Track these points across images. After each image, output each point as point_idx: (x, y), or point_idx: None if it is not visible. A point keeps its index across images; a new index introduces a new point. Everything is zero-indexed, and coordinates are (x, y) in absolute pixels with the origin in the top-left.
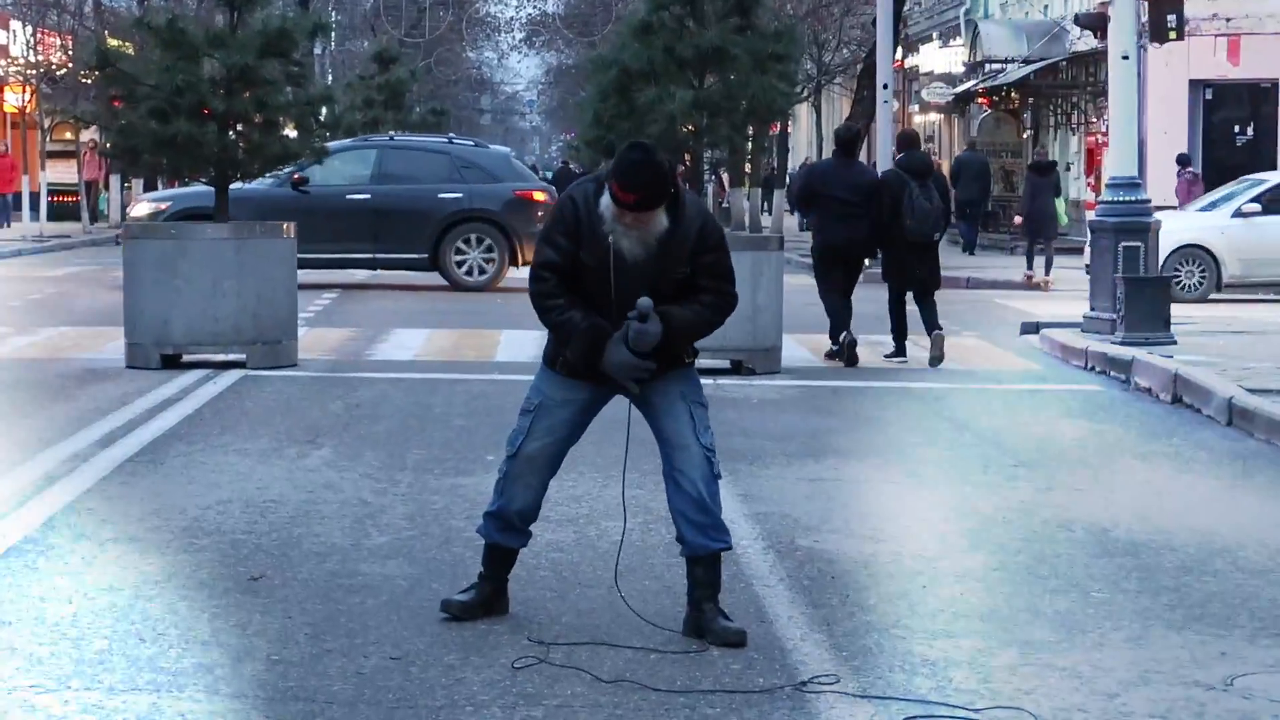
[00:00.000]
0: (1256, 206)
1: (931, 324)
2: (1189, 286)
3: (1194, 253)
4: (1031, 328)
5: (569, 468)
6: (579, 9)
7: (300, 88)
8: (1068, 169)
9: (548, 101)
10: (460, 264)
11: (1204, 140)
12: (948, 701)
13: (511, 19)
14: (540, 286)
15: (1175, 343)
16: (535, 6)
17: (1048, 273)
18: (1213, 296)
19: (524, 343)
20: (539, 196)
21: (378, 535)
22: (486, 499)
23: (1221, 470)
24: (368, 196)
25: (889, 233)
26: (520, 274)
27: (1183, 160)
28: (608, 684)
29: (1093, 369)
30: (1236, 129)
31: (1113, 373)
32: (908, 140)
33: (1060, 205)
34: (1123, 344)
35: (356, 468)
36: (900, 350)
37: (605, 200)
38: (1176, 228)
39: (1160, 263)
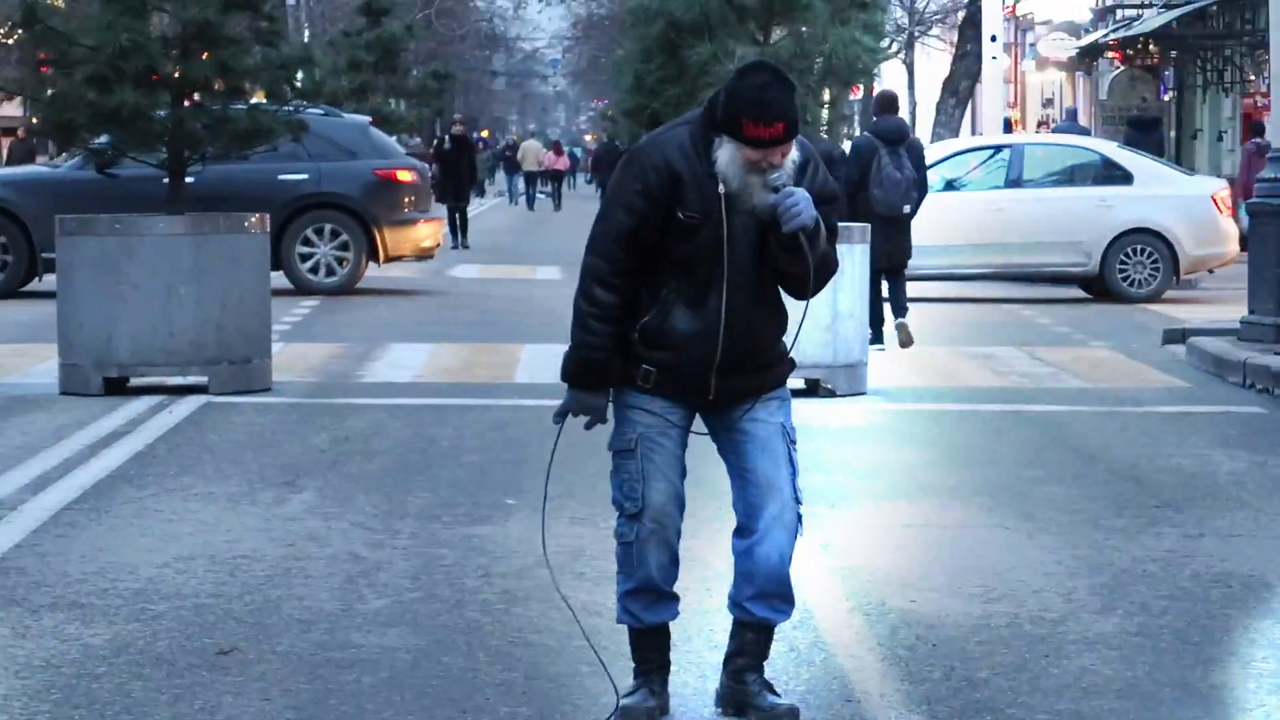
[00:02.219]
0: None
1: (899, 307)
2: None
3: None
4: (1177, 336)
5: (610, 514)
6: None
7: (272, 47)
8: (1219, 138)
9: (575, 61)
10: (306, 261)
11: None
12: None
13: None
14: (598, 264)
15: None
16: None
17: None
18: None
19: (549, 360)
20: (405, 176)
21: (374, 598)
22: (506, 551)
23: None
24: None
25: (856, 205)
26: (384, 273)
27: (1257, 129)
28: None
29: (1253, 386)
30: None
31: (1278, 391)
32: (885, 103)
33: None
34: None
35: (346, 515)
36: (877, 337)
37: (727, 154)
38: None
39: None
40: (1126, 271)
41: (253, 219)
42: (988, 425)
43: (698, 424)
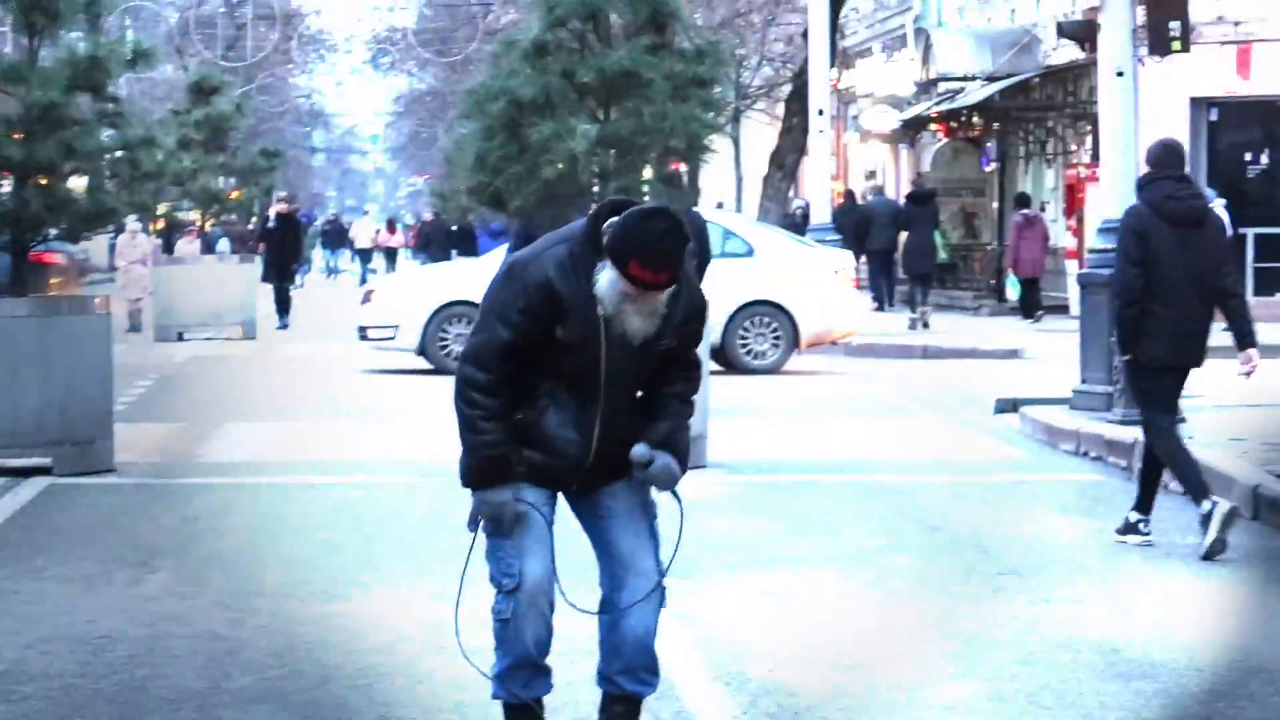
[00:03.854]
0: None
1: None
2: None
3: (467, 312)
4: (1008, 405)
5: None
6: (436, 22)
7: (116, 129)
8: (1042, 208)
9: (394, 136)
10: None
11: (1209, 169)
12: None
13: (352, 35)
14: (477, 375)
15: (1184, 420)
16: (381, 19)
17: (914, 310)
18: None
19: (388, 438)
20: (53, 259)
21: (240, 676)
22: (367, 627)
23: (1250, 574)
24: None
25: None
26: (225, 351)
27: (1022, 200)
28: None
29: (1087, 454)
30: (1248, 156)
31: (1112, 458)
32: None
33: (939, 239)
34: (1122, 423)
35: (204, 595)
36: None
37: (608, 279)
38: (446, 279)
39: (423, 325)
40: (747, 343)
41: (96, 300)
42: (830, 495)
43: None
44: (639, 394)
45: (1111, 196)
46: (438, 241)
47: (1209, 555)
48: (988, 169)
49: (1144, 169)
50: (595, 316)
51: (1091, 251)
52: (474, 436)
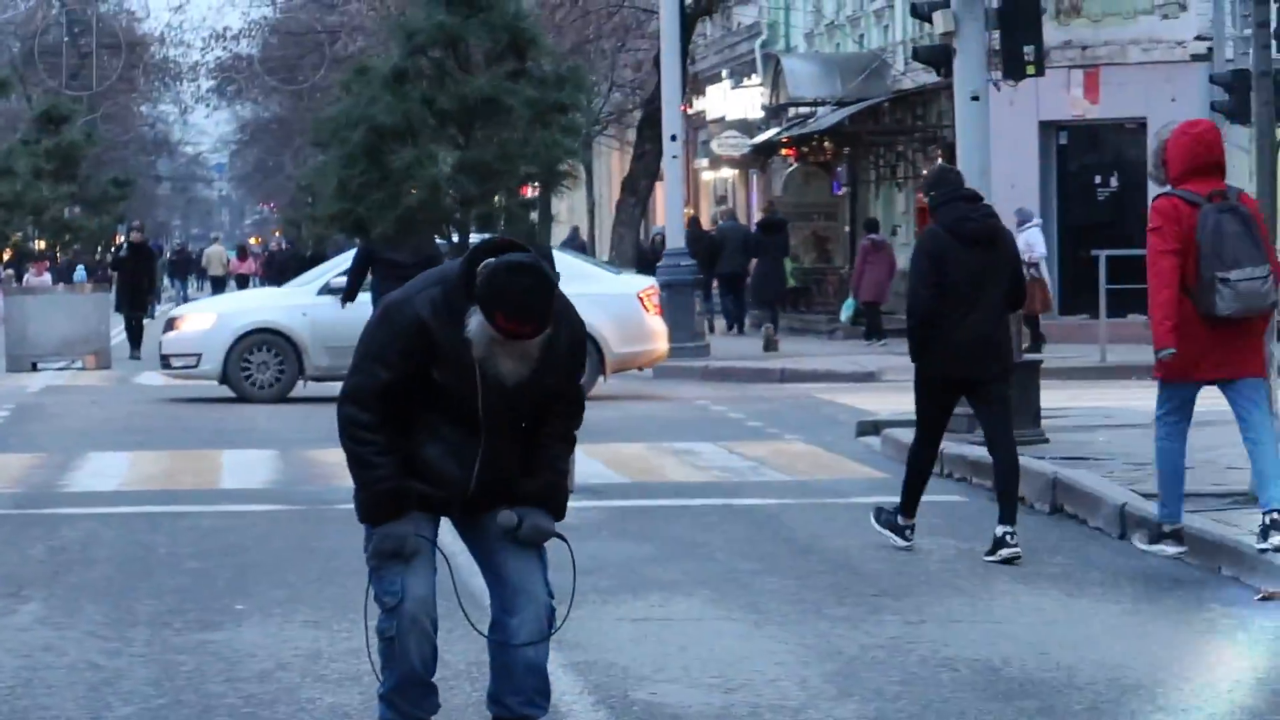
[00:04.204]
0: (344, 281)
1: None
2: (262, 383)
3: (269, 339)
4: (869, 428)
5: (341, 615)
6: (281, 50)
7: None
8: (894, 233)
9: (240, 165)
10: None
11: (1059, 193)
12: None
13: (197, 64)
14: (357, 414)
15: (1047, 440)
16: (226, 48)
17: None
18: (296, 394)
19: (253, 465)
20: None
21: (121, 706)
22: (244, 655)
23: (1121, 593)
24: None
25: None
26: (69, 381)
27: (870, 225)
28: None
29: (950, 475)
30: (1098, 179)
31: (975, 479)
32: None
33: (789, 266)
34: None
35: (77, 625)
36: None
37: (477, 324)
38: (248, 307)
39: (225, 353)
40: None
41: None
42: (698, 520)
43: None
44: (524, 425)
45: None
46: (292, 269)
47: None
48: (839, 193)
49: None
50: (469, 359)
51: None
52: (365, 472)
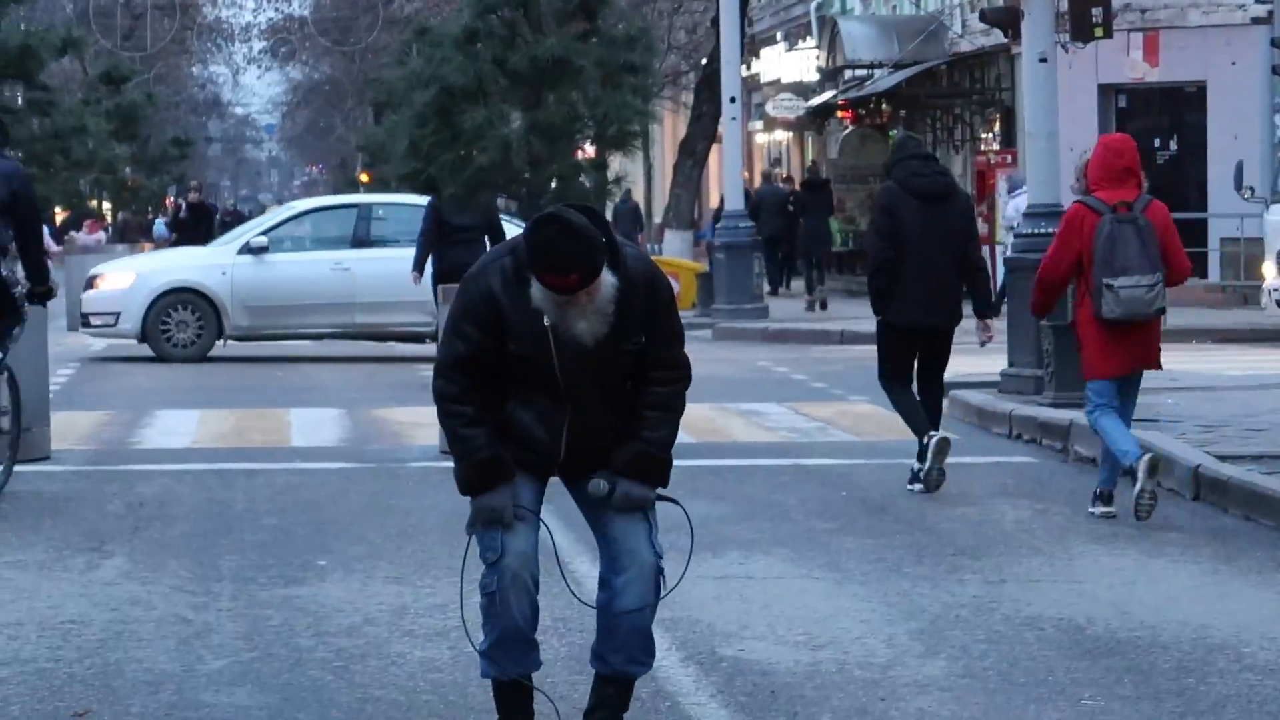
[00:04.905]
0: (264, 240)
1: None
2: (181, 342)
3: (188, 298)
4: None
5: (423, 571)
6: (334, 11)
7: (48, 117)
8: None
9: (290, 126)
10: None
11: None
12: None
13: (249, 25)
14: (445, 387)
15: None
16: (278, 9)
17: (811, 291)
18: (215, 353)
19: (320, 424)
20: None
21: (212, 659)
22: (330, 610)
23: (1199, 553)
24: None
25: None
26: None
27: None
28: None
29: (1019, 437)
30: (1157, 142)
31: (1045, 441)
32: None
33: (834, 224)
34: (1054, 406)
35: (162, 579)
36: None
37: (538, 291)
38: (167, 266)
39: (143, 311)
40: None
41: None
42: (771, 479)
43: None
44: (614, 398)
45: (1036, 181)
46: None
47: (926, 484)
48: None
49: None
50: (541, 327)
51: (1017, 236)
52: (460, 446)
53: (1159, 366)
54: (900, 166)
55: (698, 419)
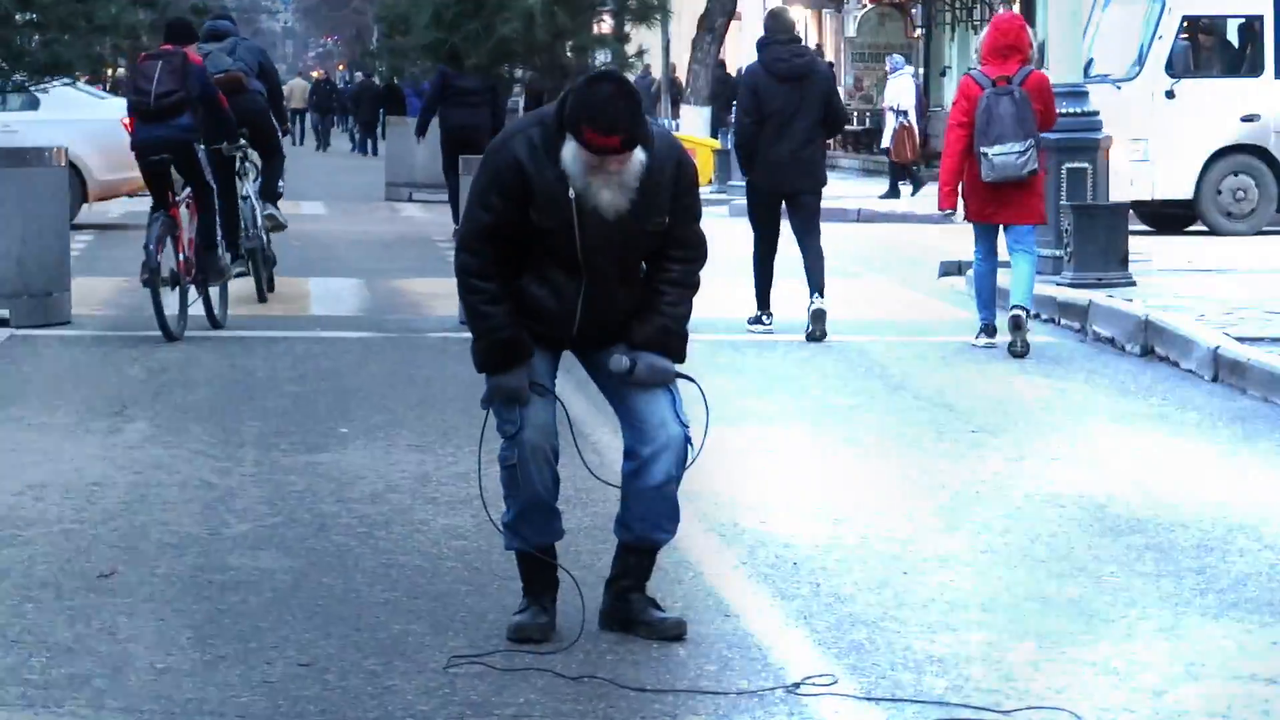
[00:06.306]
0: None
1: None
2: None
3: None
4: (953, 268)
5: (445, 440)
6: None
7: None
8: (943, 74)
9: None
10: None
11: None
12: (969, 703)
13: None
14: (468, 261)
15: (1134, 283)
16: None
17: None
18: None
19: (340, 293)
20: None
21: (237, 523)
22: (353, 477)
23: (1218, 434)
24: None
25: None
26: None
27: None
28: (568, 685)
29: (1038, 316)
30: None
31: (1064, 320)
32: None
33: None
34: (1073, 285)
35: (185, 444)
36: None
37: (570, 152)
38: None
39: None
40: None
41: (53, 151)
42: (788, 354)
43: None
44: (630, 273)
45: (1059, 63)
46: (368, 103)
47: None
48: (914, 35)
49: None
50: (565, 198)
51: None
52: (479, 322)
53: (1042, 220)
54: (765, 50)
55: (715, 294)
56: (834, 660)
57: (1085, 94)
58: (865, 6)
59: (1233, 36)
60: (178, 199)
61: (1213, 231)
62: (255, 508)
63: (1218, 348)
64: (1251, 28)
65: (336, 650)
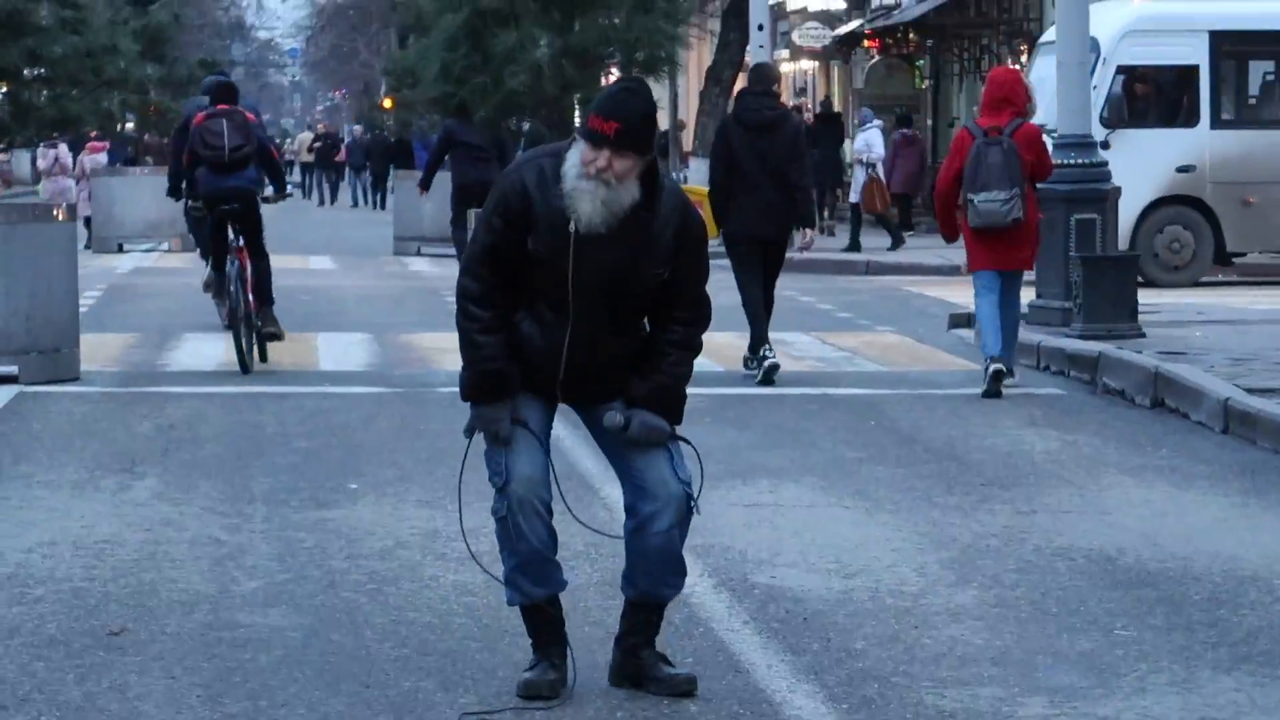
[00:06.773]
0: None
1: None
2: None
3: None
4: (962, 320)
5: (454, 496)
6: None
7: (78, 35)
8: (951, 125)
9: (313, 51)
10: None
11: None
12: None
13: None
14: (468, 285)
15: (1144, 335)
16: None
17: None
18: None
19: (348, 348)
20: None
21: (246, 580)
22: (362, 533)
23: (1229, 486)
24: None
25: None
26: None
27: (902, 120)
28: None
29: (1047, 368)
30: None
31: (1074, 372)
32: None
33: (845, 158)
34: (1082, 337)
35: (194, 500)
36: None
37: (572, 158)
38: None
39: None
40: None
41: (60, 209)
42: (798, 408)
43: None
44: (623, 323)
45: (1066, 111)
46: (380, 155)
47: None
48: (922, 86)
49: None
50: (565, 231)
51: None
52: (471, 351)
53: (1029, 267)
54: (739, 101)
55: (722, 346)
56: (845, 715)
57: (1094, 145)
58: (874, 58)
59: (1168, 87)
60: (237, 246)
61: (1149, 284)
62: (265, 564)
63: (1228, 399)
64: (1187, 77)
65: (346, 707)
